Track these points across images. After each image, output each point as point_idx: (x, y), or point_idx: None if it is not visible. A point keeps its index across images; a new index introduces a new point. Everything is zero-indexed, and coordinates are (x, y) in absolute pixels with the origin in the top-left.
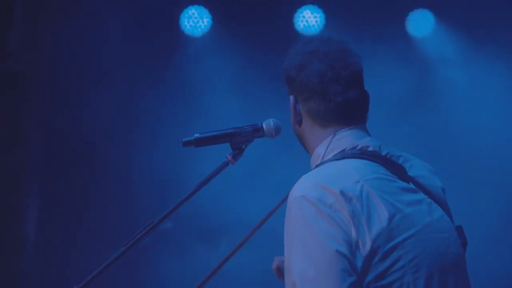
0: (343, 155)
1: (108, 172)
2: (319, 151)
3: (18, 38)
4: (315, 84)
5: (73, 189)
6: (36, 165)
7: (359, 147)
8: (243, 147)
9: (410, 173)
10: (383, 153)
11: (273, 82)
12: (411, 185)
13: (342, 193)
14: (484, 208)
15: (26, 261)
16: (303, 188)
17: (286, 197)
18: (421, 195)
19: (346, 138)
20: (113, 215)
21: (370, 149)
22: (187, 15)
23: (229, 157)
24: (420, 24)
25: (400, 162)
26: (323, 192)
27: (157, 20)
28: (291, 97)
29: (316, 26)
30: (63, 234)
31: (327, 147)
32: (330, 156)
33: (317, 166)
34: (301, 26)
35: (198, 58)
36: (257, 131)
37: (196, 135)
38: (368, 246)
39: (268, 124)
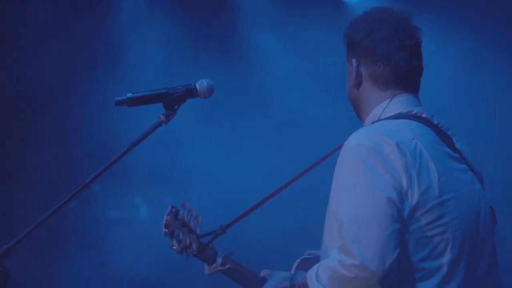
0: (399, 116)
1: (43, 134)
2: (376, 112)
3: None
4: (382, 49)
5: (6, 153)
6: None
7: (413, 112)
8: (176, 107)
9: (457, 146)
10: (435, 122)
11: (207, 43)
12: (457, 155)
13: (398, 145)
14: None
15: None
16: (361, 137)
17: (326, 156)
18: (465, 166)
19: (402, 103)
20: (49, 177)
21: (423, 115)
22: None
23: (162, 117)
24: None
25: (449, 134)
26: (379, 142)
27: None
28: (354, 60)
29: None
30: None
31: (384, 109)
32: (386, 116)
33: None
34: None
35: (131, 18)
36: (190, 92)
37: (129, 94)
38: (416, 198)
39: (201, 84)
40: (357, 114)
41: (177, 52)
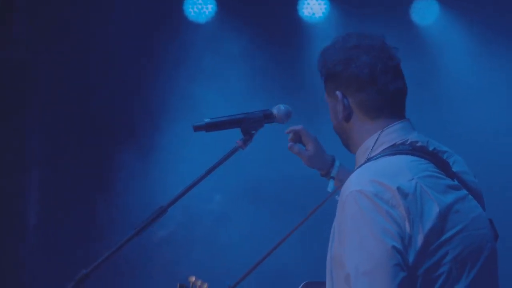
0: (395, 151)
1: (112, 157)
2: (368, 144)
3: (23, 25)
4: (367, 75)
5: (74, 175)
6: (37, 151)
7: (408, 141)
8: (253, 132)
9: (454, 169)
10: (430, 149)
11: (277, 68)
12: (456, 182)
13: (399, 189)
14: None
15: (26, 248)
16: (360, 182)
17: (327, 198)
18: (464, 192)
19: (395, 132)
20: (117, 200)
21: (418, 144)
22: (191, 1)
23: (239, 143)
24: (425, 12)
25: (445, 158)
26: (380, 187)
27: (162, 5)
28: (338, 93)
29: (321, 14)
30: (65, 220)
31: (376, 141)
32: (380, 149)
33: (368, 159)
34: (306, 13)
35: (203, 44)
36: (267, 117)
37: (207, 120)
38: (420, 242)
39: (278, 109)
40: (346, 146)
41: (252, 78)
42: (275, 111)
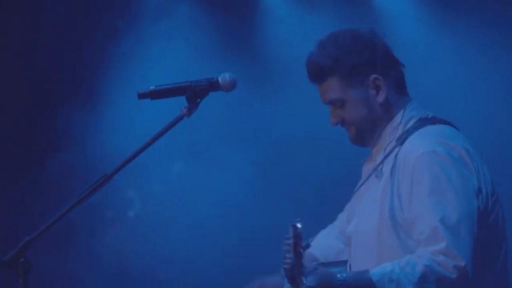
0: (433, 121)
1: (58, 119)
2: (398, 120)
3: None
4: (392, 55)
5: (22, 135)
6: None
7: (430, 116)
8: (198, 100)
9: None
10: None
11: (228, 35)
12: None
13: (464, 148)
14: None
15: None
16: (428, 144)
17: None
18: None
19: (416, 109)
20: (68, 159)
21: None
22: None
23: (184, 110)
24: None
25: None
26: (448, 148)
27: None
28: (375, 76)
29: None
30: (18, 181)
31: (402, 117)
32: (411, 123)
33: (407, 131)
34: None
35: (151, 11)
36: (212, 85)
37: (152, 87)
38: (485, 195)
39: (223, 78)
40: (369, 135)
41: (201, 45)
42: (220, 79)
